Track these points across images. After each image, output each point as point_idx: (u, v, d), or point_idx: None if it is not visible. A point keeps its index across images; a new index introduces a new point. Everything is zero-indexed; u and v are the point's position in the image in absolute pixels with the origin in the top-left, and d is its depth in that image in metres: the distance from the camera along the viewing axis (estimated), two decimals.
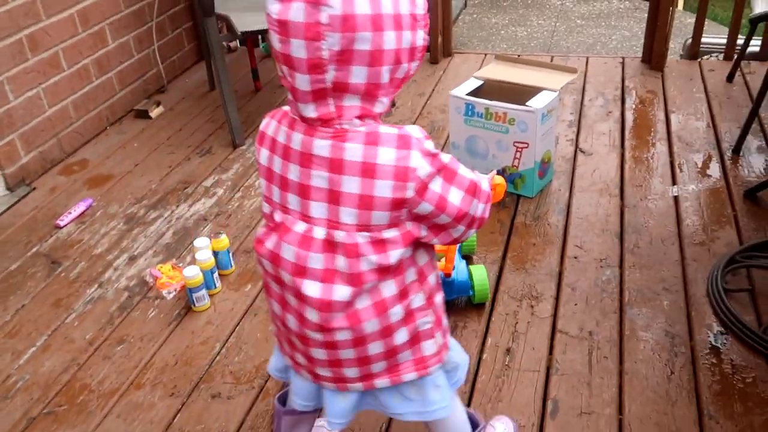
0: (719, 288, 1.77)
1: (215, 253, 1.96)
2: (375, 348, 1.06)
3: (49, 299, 1.97)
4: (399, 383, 1.11)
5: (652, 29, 3.06)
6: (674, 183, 2.29)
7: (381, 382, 1.10)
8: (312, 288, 1.00)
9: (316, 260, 0.99)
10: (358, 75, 0.89)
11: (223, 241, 1.98)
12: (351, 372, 1.09)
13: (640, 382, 1.56)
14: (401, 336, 1.06)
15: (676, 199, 2.20)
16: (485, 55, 3.41)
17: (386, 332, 1.05)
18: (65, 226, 2.30)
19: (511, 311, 1.79)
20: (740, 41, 3.11)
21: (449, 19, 3.34)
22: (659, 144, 2.53)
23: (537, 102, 2.13)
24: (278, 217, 1.03)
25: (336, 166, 0.93)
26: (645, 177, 2.33)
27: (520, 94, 2.22)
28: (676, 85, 2.95)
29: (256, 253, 1.08)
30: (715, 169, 2.35)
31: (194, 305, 1.88)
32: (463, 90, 2.27)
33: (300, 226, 0.99)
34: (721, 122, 2.64)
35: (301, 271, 1.00)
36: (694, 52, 3.14)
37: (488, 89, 2.29)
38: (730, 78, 2.94)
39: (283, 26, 0.87)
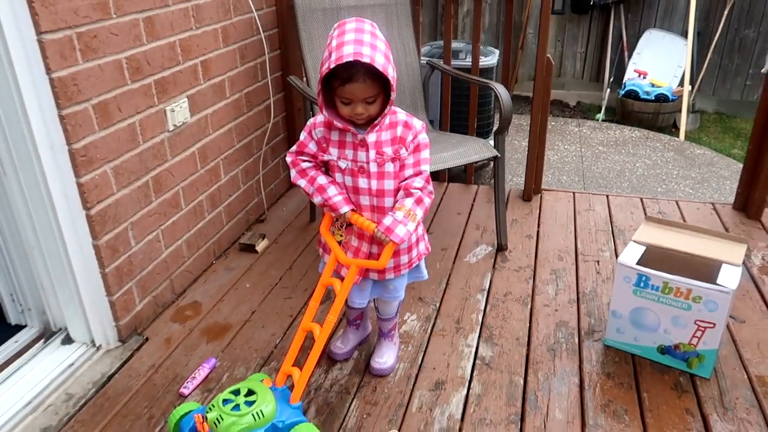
0: None
1: None
2: None
3: None
4: None
5: (751, 177, 2.64)
6: None
7: None
8: None
9: None
10: None
11: None
12: None
13: None
14: None
15: None
16: (573, 193, 2.96)
17: None
18: (190, 394, 1.72)
19: None
20: None
21: (543, 158, 2.90)
22: None
23: (728, 280, 1.64)
24: None
25: None
26: None
27: (694, 265, 1.74)
28: None
29: None
30: None
31: None
32: (630, 258, 1.77)
33: None
34: None
35: None
36: None
37: (652, 256, 1.81)
38: None
39: None
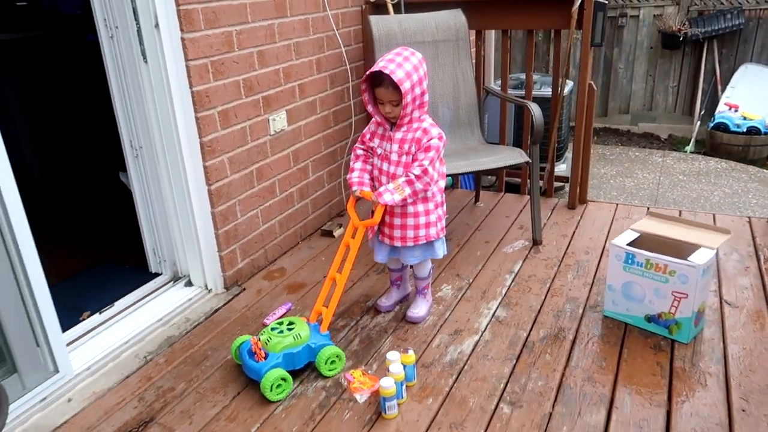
0: None
1: (403, 366, 1.88)
2: None
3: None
4: None
5: None
6: None
7: None
8: None
9: None
10: None
11: (411, 356, 1.89)
12: None
13: None
14: None
15: None
16: (616, 204, 3.29)
17: None
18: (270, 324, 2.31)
19: None
20: None
21: (587, 171, 3.27)
22: None
23: (698, 258, 1.98)
24: None
25: None
26: None
27: (677, 248, 2.08)
28: None
29: None
30: None
31: (385, 413, 1.78)
32: (622, 240, 2.15)
33: None
34: None
35: None
36: None
37: (645, 241, 2.16)
38: None
39: None
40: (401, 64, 1.90)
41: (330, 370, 1.98)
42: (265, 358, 1.89)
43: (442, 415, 1.78)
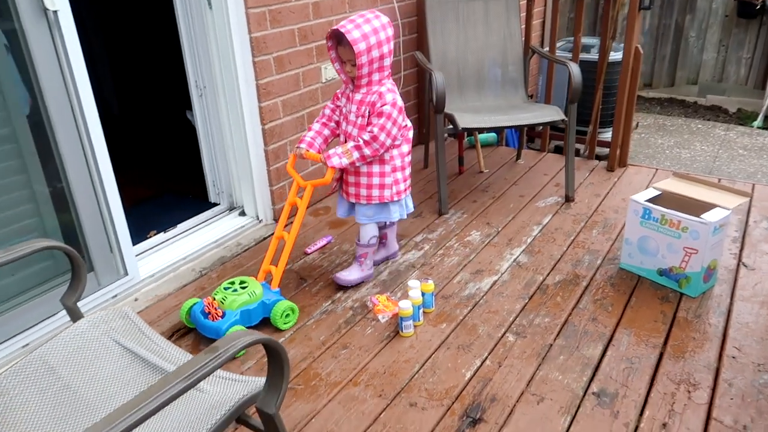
0: None
1: (422, 294, 2.09)
2: None
3: (297, 305, 2.20)
4: None
5: None
6: None
7: None
8: None
9: None
10: None
11: (430, 285, 2.11)
12: None
13: None
14: None
15: None
16: (656, 170, 3.34)
17: None
18: (311, 253, 2.57)
19: (669, 392, 1.72)
20: None
21: (628, 135, 3.32)
22: None
23: (711, 216, 2.07)
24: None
25: None
26: None
27: (694, 207, 2.17)
28: None
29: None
30: None
31: (402, 331, 2.01)
32: (642, 197, 2.25)
33: None
34: None
35: None
36: None
37: (665, 199, 2.26)
38: None
39: None
40: (360, 25, 1.93)
41: (285, 323, 2.05)
42: (222, 317, 1.93)
43: (453, 338, 1.99)
